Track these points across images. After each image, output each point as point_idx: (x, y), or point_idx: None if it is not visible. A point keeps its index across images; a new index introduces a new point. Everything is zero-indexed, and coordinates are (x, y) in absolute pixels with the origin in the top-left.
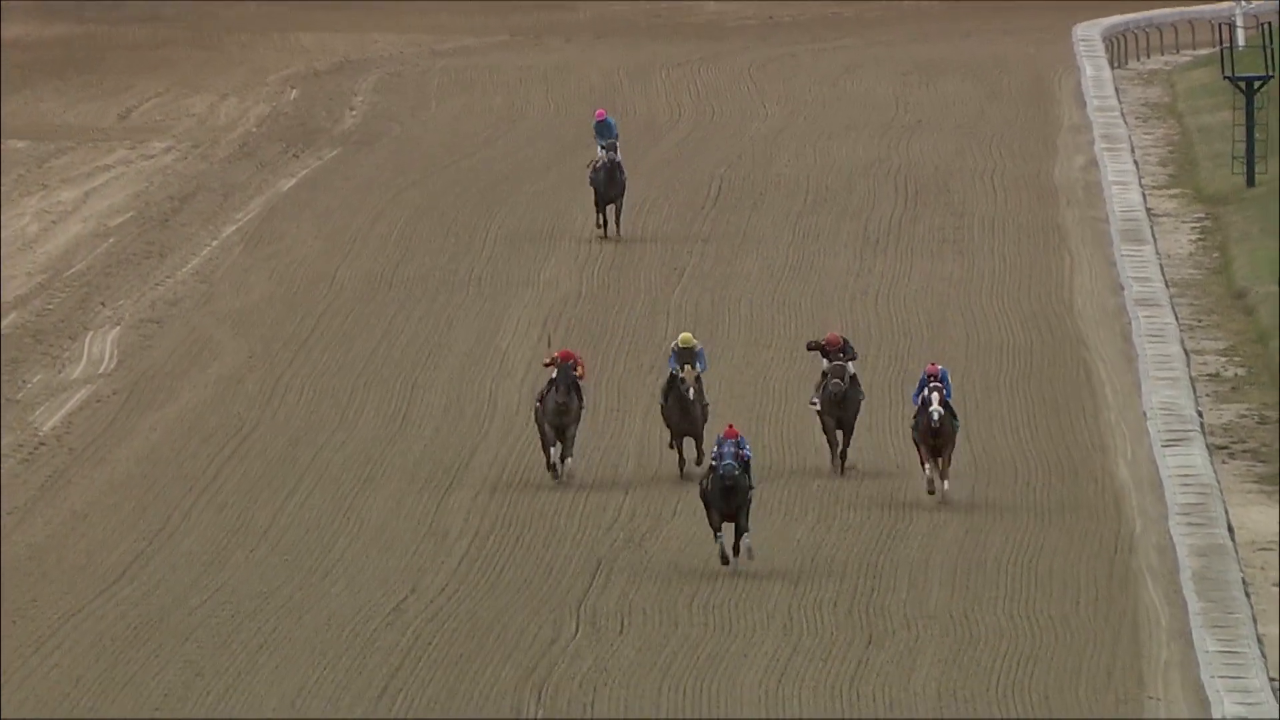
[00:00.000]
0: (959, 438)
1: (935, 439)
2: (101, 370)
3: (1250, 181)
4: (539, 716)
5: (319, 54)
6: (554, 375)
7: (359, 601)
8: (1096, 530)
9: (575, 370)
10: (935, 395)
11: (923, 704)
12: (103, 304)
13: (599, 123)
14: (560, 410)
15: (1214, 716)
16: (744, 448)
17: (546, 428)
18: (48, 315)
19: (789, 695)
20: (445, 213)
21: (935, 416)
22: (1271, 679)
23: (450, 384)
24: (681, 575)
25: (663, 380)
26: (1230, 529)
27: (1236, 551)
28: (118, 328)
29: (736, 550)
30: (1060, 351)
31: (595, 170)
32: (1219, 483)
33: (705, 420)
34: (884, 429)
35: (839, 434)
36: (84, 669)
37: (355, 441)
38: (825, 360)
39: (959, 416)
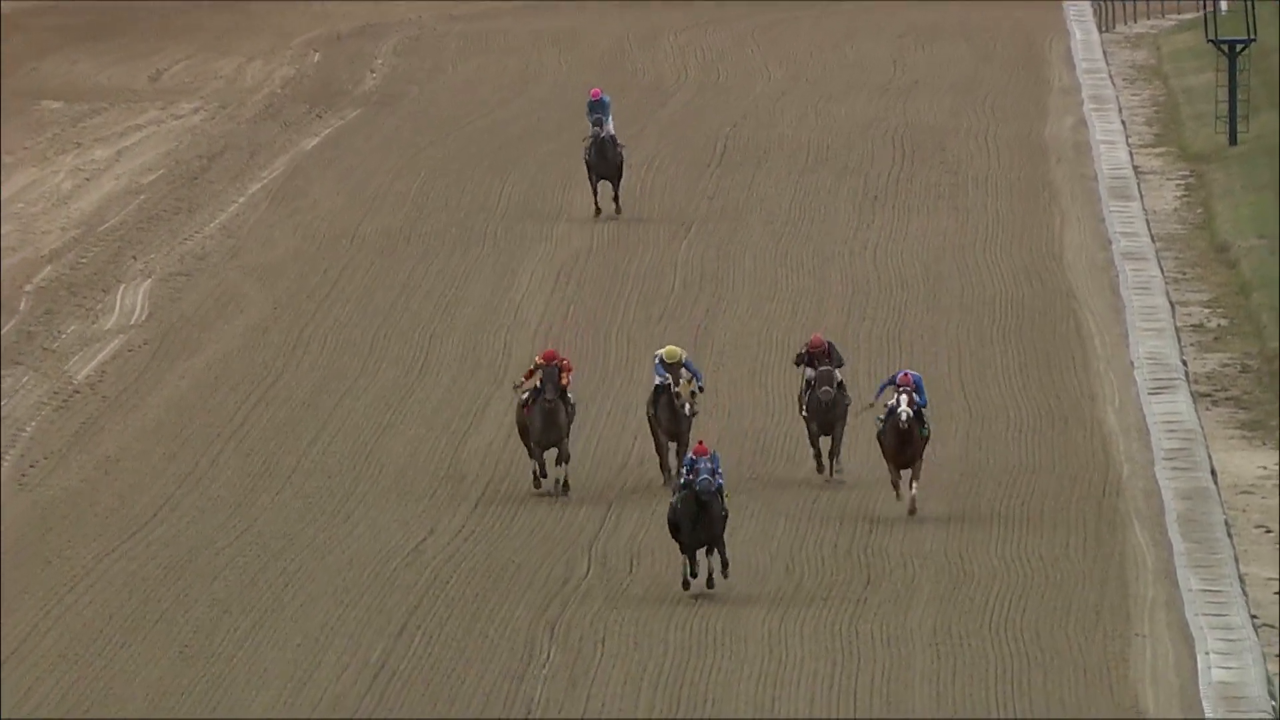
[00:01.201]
0: (930, 449)
1: (903, 448)
2: (133, 321)
3: (1233, 140)
4: (552, 654)
5: (341, 18)
6: (538, 382)
7: (379, 542)
8: (1085, 475)
9: (560, 375)
10: (904, 398)
11: (919, 640)
12: (134, 258)
13: (593, 101)
14: (550, 421)
15: (1198, 652)
16: (717, 468)
17: (535, 446)
18: (81, 268)
19: (790, 632)
20: (461, 171)
21: (904, 418)
22: (1253, 616)
23: (466, 335)
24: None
25: (649, 390)
26: (1213, 473)
27: (1219, 495)
28: (149, 280)
29: (711, 583)
30: (1050, 303)
31: (587, 147)
32: (1203, 429)
33: (689, 428)
34: (886, 374)
35: (826, 440)
36: (117, 607)
37: (375, 389)
38: (811, 369)
39: (928, 424)
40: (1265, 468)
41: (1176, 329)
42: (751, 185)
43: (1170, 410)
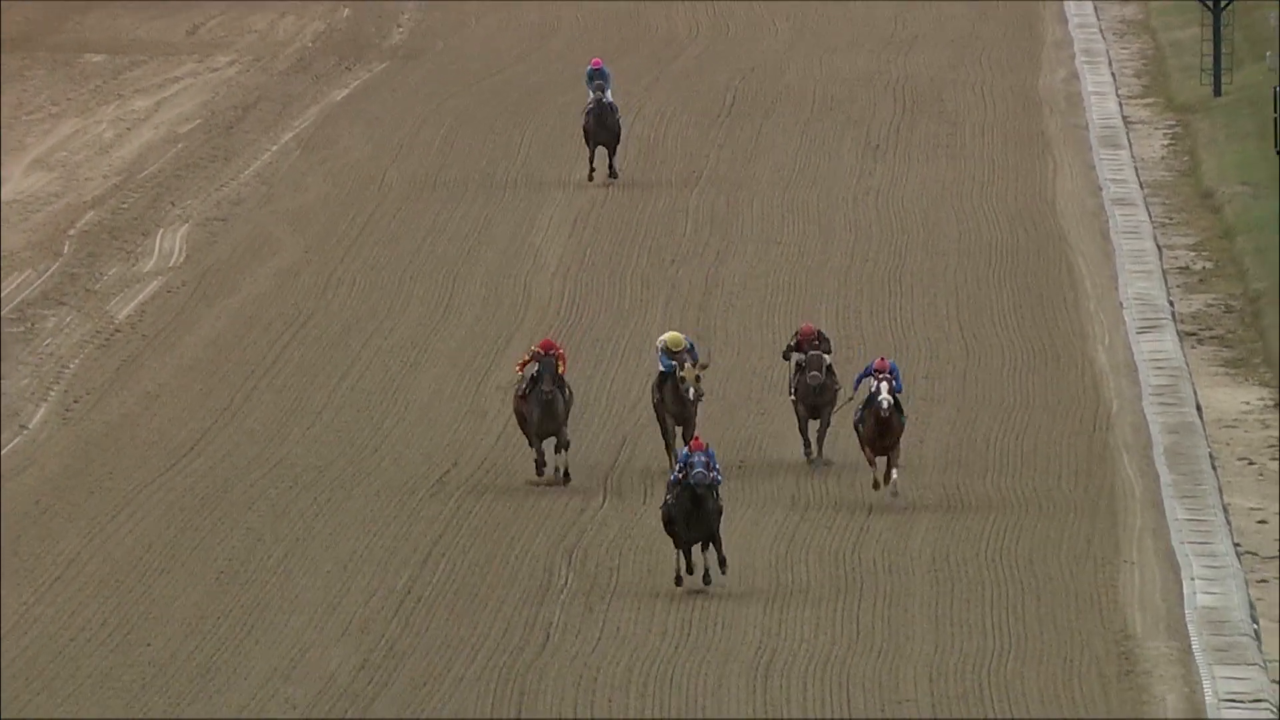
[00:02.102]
0: (906, 434)
1: (883, 434)
2: (171, 264)
3: (1217, 92)
4: (569, 580)
5: None
6: (536, 370)
7: (406, 475)
8: (1077, 410)
9: (557, 364)
10: (884, 385)
11: (918, 567)
12: (172, 203)
13: (593, 70)
14: (548, 412)
15: (1183, 577)
16: (714, 465)
17: (534, 435)
18: (123, 213)
19: (797, 559)
20: (483, 121)
21: (884, 405)
22: (1236, 544)
23: (488, 277)
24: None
25: (653, 378)
26: (1199, 408)
27: (1204, 429)
28: (186, 225)
29: (707, 579)
30: (1044, 247)
31: (586, 113)
32: (1188, 366)
33: (696, 410)
34: (887, 315)
35: (814, 424)
36: (155, 535)
37: (402, 329)
38: (800, 354)
39: (905, 411)
40: (1248, 403)
41: (1163, 271)
42: (759, 135)
43: (1157, 349)
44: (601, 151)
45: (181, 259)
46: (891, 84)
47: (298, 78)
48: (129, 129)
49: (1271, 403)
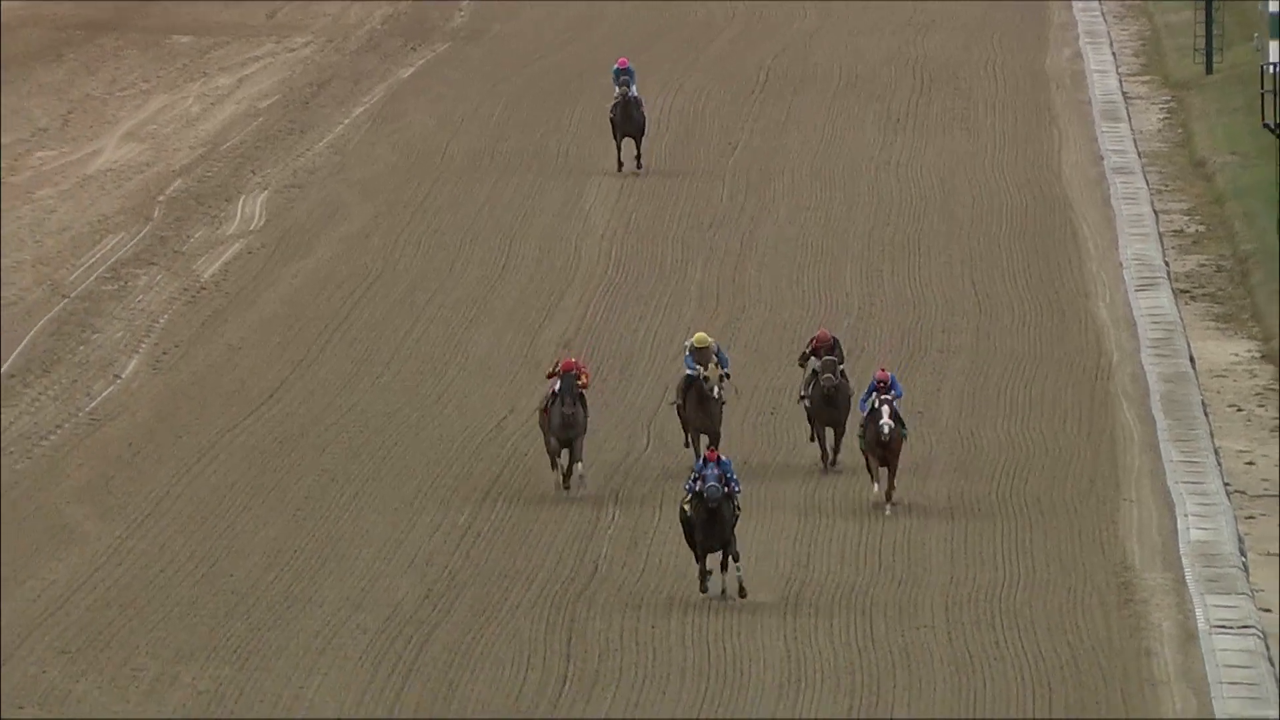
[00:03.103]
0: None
1: (884, 451)
2: (252, 227)
3: (1209, 70)
4: (616, 516)
5: None
6: (556, 386)
7: (466, 421)
8: (1080, 361)
9: (579, 380)
10: (886, 408)
11: (936, 506)
12: (253, 172)
13: (619, 69)
14: (567, 423)
15: (1177, 514)
16: (729, 475)
17: (553, 441)
18: (207, 181)
19: (824, 497)
20: (537, 98)
21: (885, 430)
22: (1225, 484)
23: (541, 240)
24: (733, 400)
25: (679, 379)
26: (1192, 359)
27: (1197, 378)
28: (266, 192)
29: (724, 590)
30: (1050, 212)
31: (614, 108)
32: (1182, 320)
33: (721, 417)
34: (906, 274)
35: (830, 431)
36: (237, 475)
37: (462, 287)
38: (815, 359)
39: (907, 424)
40: (1237, 355)
41: (1159, 234)
42: (790, 109)
43: (1154, 304)
44: (628, 143)
45: (261, 223)
46: (910, 63)
47: (367, 57)
48: (213, 104)
49: (1259, 354)
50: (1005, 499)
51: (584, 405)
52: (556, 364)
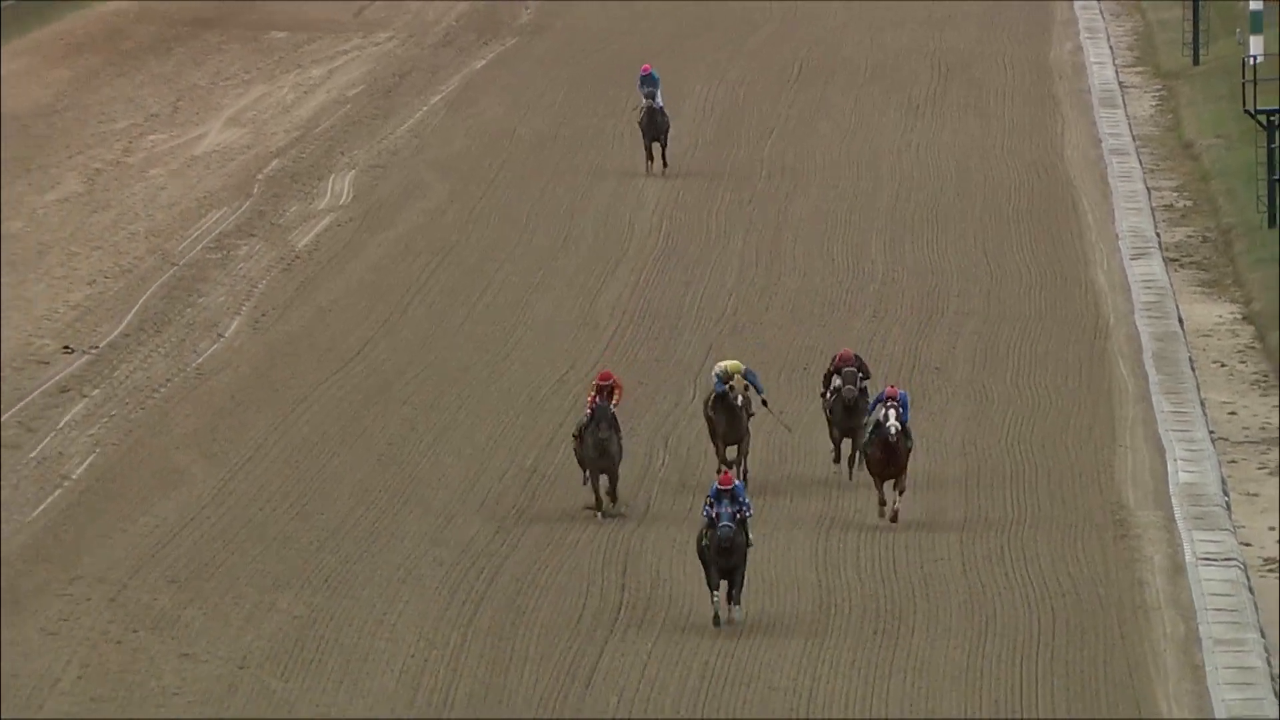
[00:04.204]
0: (913, 458)
1: (890, 459)
2: (341, 203)
3: (1196, 61)
4: (666, 460)
5: None
6: (591, 411)
7: (531, 374)
8: (1080, 322)
9: (613, 398)
10: (892, 413)
11: (951, 452)
12: (342, 153)
13: (644, 76)
14: (601, 450)
15: (1168, 459)
16: (741, 501)
17: (587, 470)
18: (301, 161)
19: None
20: (595, 86)
21: (892, 431)
22: (1210, 432)
23: (600, 213)
24: (773, 355)
25: (708, 395)
26: (1180, 320)
27: (1185, 337)
28: (353, 171)
29: (731, 599)
30: (1054, 189)
31: (639, 115)
32: (1172, 286)
33: (748, 432)
34: (925, 245)
35: (847, 442)
36: (328, 425)
37: (529, 255)
38: (837, 377)
39: (913, 436)
40: (1220, 317)
41: (1152, 208)
42: (821, 98)
43: (1146, 271)
44: (655, 147)
45: (349, 199)
46: (929, 56)
47: (444, 50)
48: (306, 92)
49: (1240, 316)
50: (1013, 445)
51: (618, 432)
52: (595, 383)
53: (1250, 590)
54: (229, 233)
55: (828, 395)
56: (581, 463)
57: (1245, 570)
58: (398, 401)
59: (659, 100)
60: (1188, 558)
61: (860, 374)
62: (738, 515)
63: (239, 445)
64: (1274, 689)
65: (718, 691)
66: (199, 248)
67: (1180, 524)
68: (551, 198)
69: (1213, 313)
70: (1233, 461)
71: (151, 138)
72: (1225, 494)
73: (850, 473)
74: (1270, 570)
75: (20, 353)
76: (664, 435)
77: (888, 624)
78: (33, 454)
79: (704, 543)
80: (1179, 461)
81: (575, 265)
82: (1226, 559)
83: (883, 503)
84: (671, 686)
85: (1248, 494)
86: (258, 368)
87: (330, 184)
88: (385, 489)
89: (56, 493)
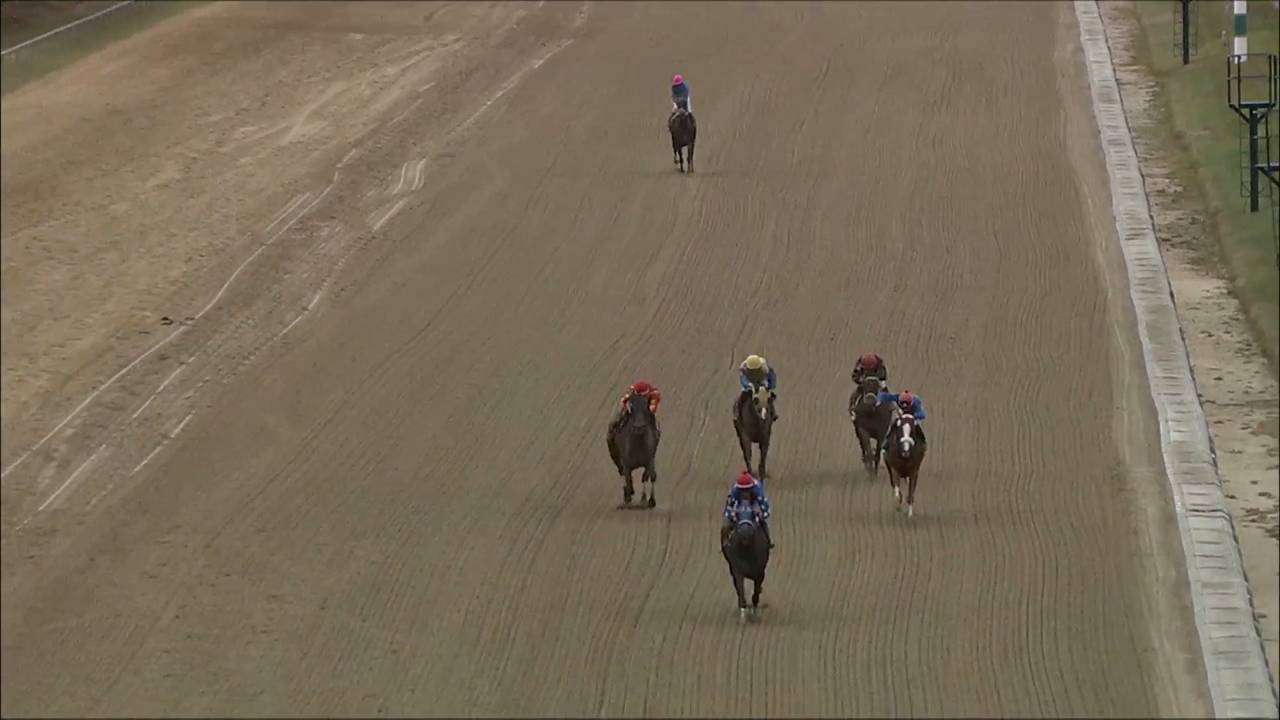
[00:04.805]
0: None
1: (905, 464)
2: (413, 188)
3: (1186, 60)
4: (706, 421)
5: None
6: (628, 409)
7: (585, 343)
8: (1081, 296)
9: (650, 404)
10: (907, 426)
11: (964, 412)
12: (414, 144)
13: (676, 86)
14: (637, 443)
15: (1160, 420)
16: (761, 500)
17: (622, 462)
18: (377, 151)
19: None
20: (643, 83)
21: (906, 448)
22: (1199, 395)
23: (646, 198)
24: (802, 326)
25: (735, 395)
26: (1171, 295)
27: (1176, 310)
28: (424, 160)
29: (755, 602)
30: (1057, 176)
31: (671, 121)
32: (1164, 264)
33: (770, 432)
34: (941, 227)
35: (873, 441)
36: (401, 388)
37: (583, 237)
38: (861, 383)
39: (926, 438)
40: (1208, 291)
41: (1146, 193)
42: (846, 95)
43: (1141, 250)
44: (684, 150)
45: (420, 185)
46: (944, 57)
47: (506, 51)
48: (382, 89)
49: (1226, 291)
50: (1020, 407)
51: (654, 425)
52: (632, 389)
53: (1234, 539)
54: (312, 215)
55: (852, 400)
56: (615, 457)
57: (1230, 520)
58: (464, 368)
59: (689, 108)
60: (1178, 509)
61: (881, 379)
62: (756, 518)
63: (320, 408)
64: (1255, 627)
65: (754, 627)
66: (285, 229)
67: (1171, 479)
68: (602, 185)
69: (1201, 288)
70: (1219, 422)
71: (242, 130)
72: (1212, 451)
73: (874, 468)
74: (1253, 520)
75: (124, 323)
76: (704, 399)
77: (906, 569)
78: (134, 415)
79: (726, 543)
80: (1170, 422)
81: (624, 245)
82: (1213, 510)
83: (899, 500)
84: (711, 625)
85: (1233, 451)
86: (337, 338)
87: (403, 172)
88: (453, 447)
89: (156, 450)
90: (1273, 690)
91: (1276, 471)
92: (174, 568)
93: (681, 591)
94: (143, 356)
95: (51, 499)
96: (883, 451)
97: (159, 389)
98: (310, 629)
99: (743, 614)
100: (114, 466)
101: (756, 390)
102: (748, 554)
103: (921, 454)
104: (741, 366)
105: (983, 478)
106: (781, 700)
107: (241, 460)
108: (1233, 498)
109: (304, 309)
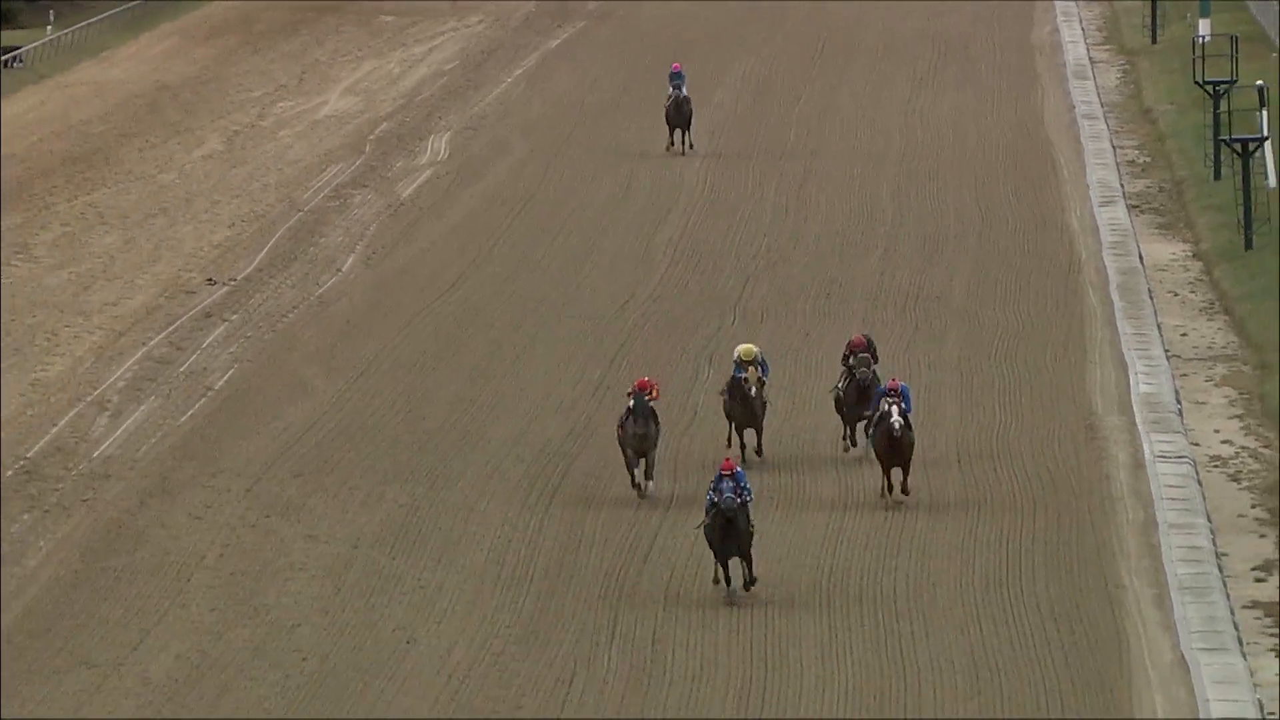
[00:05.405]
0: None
1: (894, 450)
2: (439, 159)
3: (1154, 40)
4: (710, 374)
5: None
6: (631, 404)
7: (598, 303)
8: (1057, 257)
9: (649, 396)
10: (895, 409)
11: (949, 364)
12: (440, 118)
13: (673, 72)
14: (640, 438)
15: (1130, 373)
16: (742, 485)
17: (629, 452)
18: (406, 124)
19: None
20: (652, 63)
21: (896, 427)
22: (1166, 350)
23: (654, 169)
24: (799, 286)
25: (726, 380)
26: (1140, 257)
27: (1145, 271)
28: (449, 133)
29: (750, 582)
30: (1034, 147)
31: (667, 104)
32: (1134, 228)
33: (764, 415)
34: (928, 193)
35: (860, 425)
36: (428, 344)
37: (596, 204)
38: (850, 359)
39: (914, 428)
40: (1174, 254)
41: (1117, 163)
42: (841, 72)
43: (1113, 216)
44: (679, 133)
45: (446, 156)
46: (932, 37)
47: (525, 32)
48: (410, 67)
49: (1190, 254)
50: (1000, 361)
51: (656, 420)
52: (634, 386)
53: (1199, 483)
54: (345, 184)
55: (840, 384)
56: (624, 451)
57: (1194, 466)
58: (486, 326)
59: (684, 90)
60: (1146, 456)
61: (872, 360)
62: (739, 496)
63: (353, 362)
64: (1218, 564)
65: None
66: (320, 197)
67: (1140, 427)
68: (614, 157)
69: (1168, 251)
70: (1184, 375)
71: (281, 105)
72: (1178, 402)
73: (854, 441)
74: (1216, 466)
75: (172, 284)
76: (709, 353)
77: (895, 512)
78: (181, 369)
79: (708, 527)
80: (1139, 375)
81: (634, 211)
82: (1179, 457)
83: (888, 490)
84: (714, 561)
85: (1197, 402)
86: (369, 297)
87: (430, 143)
88: (475, 398)
89: (201, 401)
90: (1234, 623)
91: (1237, 421)
92: (218, 510)
93: (688, 530)
94: (189, 314)
95: (105, 446)
96: (869, 441)
97: (204, 344)
98: (344, 566)
99: (726, 591)
100: (163, 416)
101: (745, 371)
102: (730, 530)
103: (911, 444)
104: (735, 357)
105: (965, 425)
106: (780, 628)
107: (280, 410)
108: (1197, 445)
109: (338, 271)
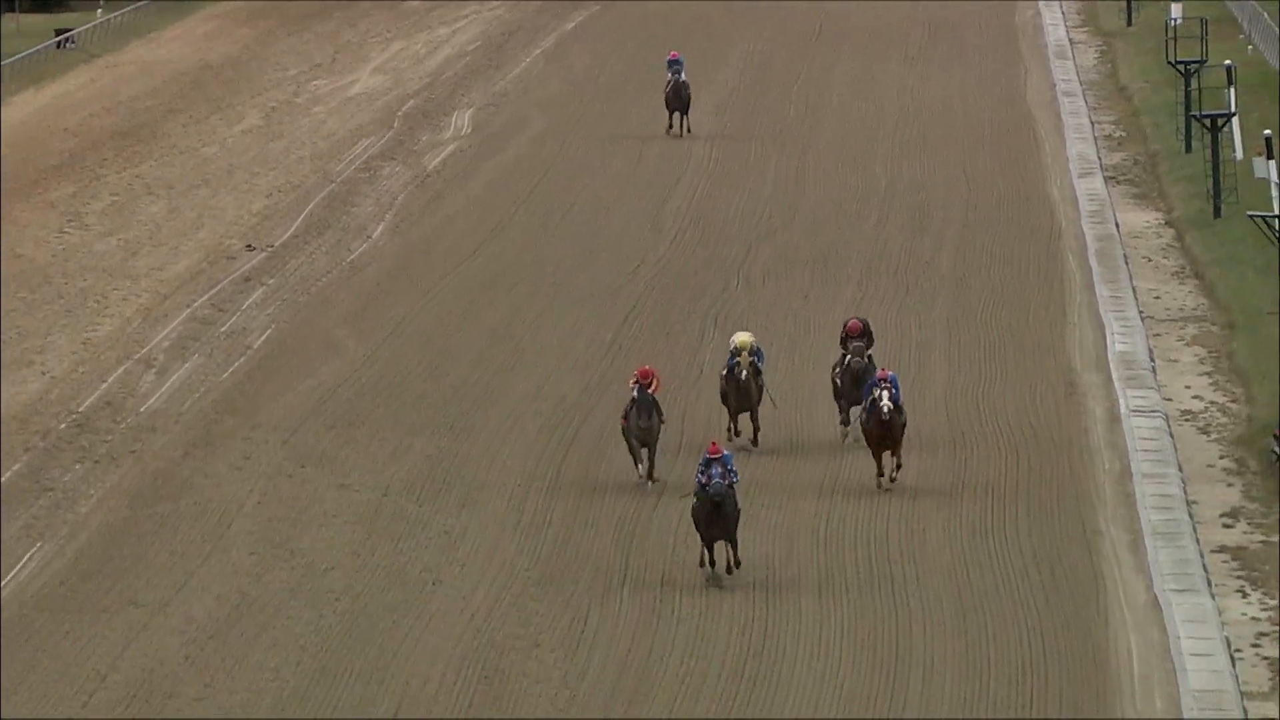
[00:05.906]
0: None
1: (885, 434)
2: (462, 133)
3: (1129, 23)
4: (714, 335)
5: None
6: (634, 396)
7: (611, 267)
8: (1038, 225)
9: (650, 387)
10: (885, 393)
11: (938, 324)
12: (463, 95)
13: (671, 60)
14: (643, 431)
15: (1107, 334)
16: (730, 469)
17: (633, 442)
18: (432, 100)
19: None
20: (661, 43)
21: (885, 410)
22: (1140, 311)
23: (663, 143)
24: (798, 253)
25: (722, 368)
26: (1117, 225)
27: (1121, 238)
28: (472, 109)
29: (735, 565)
30: (1018, 122)
31: (667, 89)
32: (1111, 198)
33: (760, 400)
34: (919, 165)
35: (852, 410)
36: (451, 307)
37: (609, 175)
38: (846, 346)
39: (905, 413)
40: (1148, 222)
41: (1095, 137)
42: (837, 52)
43: (1091, 187)
44: (678, 117)
45: (469, 130)
46: (921, 20)
47: (542, 15)
48: (435, 48)
49: (1164, 222)
50: (986, 322)
51: (659, 412)
52: (636, 376)
53: (1171, 435)
54: (375, 157)
55: (836, 369)
56: (628, 437)
57: (1167, 420)
58: (506, 289)
59: (683, 76)
60: (1122, 410)
61: (867, 345)
62: (726, 479)
63: (383, 323)
64: (1188, 511)
65: (754, 496)
66: (352, 169)
67: (1116, 384)
68: (626, 130)
69: (1142, 219)
70: (1157, 335)
71: (315, 83)
72: (1151, 360)
73: (847, 420)
74: (1187, 420)
75: (214, 250)
76: (713, 316)
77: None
78: (223, 329)
79: (696, 509)
80: (1115, 335)
81: (644, 182)
82: (1152, 411)
83: (880, 474)
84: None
85: (1169, 360)
86: (397, 263)
87: (454, 119)
88: (496, 357)
89: (241, 359)
90: (1203, 566)
91: (1207, 377)
92: (256, 460)
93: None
94: (230, 278)
95: (151, 401)
96: (860, 423)
97: (243, 306)
98: (374, 513)
99: (709, 572)
100: (205, 373)
101: (739, 357)
102: (718, 513)
103: (903, 427)
104: (731, 346)
105: (953, 383)
106: (781, 570)
107: (314, 368)
108: (1169, 400)
109: (368, 238)
